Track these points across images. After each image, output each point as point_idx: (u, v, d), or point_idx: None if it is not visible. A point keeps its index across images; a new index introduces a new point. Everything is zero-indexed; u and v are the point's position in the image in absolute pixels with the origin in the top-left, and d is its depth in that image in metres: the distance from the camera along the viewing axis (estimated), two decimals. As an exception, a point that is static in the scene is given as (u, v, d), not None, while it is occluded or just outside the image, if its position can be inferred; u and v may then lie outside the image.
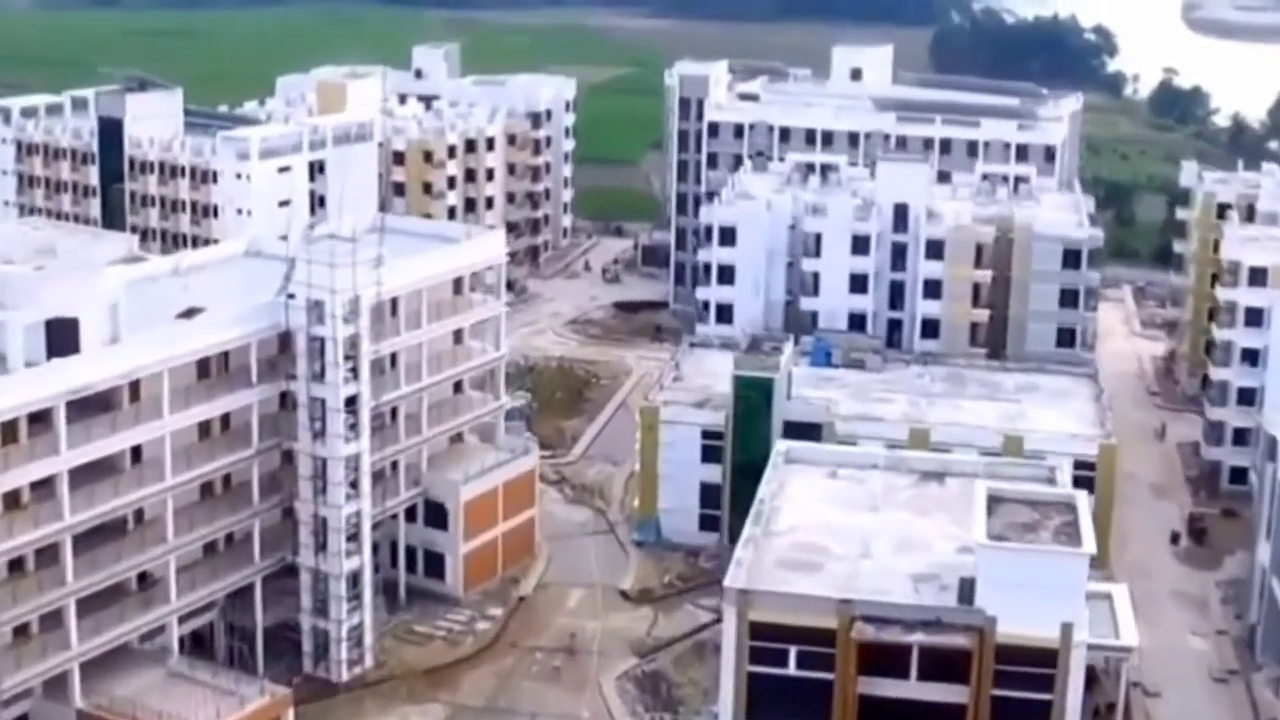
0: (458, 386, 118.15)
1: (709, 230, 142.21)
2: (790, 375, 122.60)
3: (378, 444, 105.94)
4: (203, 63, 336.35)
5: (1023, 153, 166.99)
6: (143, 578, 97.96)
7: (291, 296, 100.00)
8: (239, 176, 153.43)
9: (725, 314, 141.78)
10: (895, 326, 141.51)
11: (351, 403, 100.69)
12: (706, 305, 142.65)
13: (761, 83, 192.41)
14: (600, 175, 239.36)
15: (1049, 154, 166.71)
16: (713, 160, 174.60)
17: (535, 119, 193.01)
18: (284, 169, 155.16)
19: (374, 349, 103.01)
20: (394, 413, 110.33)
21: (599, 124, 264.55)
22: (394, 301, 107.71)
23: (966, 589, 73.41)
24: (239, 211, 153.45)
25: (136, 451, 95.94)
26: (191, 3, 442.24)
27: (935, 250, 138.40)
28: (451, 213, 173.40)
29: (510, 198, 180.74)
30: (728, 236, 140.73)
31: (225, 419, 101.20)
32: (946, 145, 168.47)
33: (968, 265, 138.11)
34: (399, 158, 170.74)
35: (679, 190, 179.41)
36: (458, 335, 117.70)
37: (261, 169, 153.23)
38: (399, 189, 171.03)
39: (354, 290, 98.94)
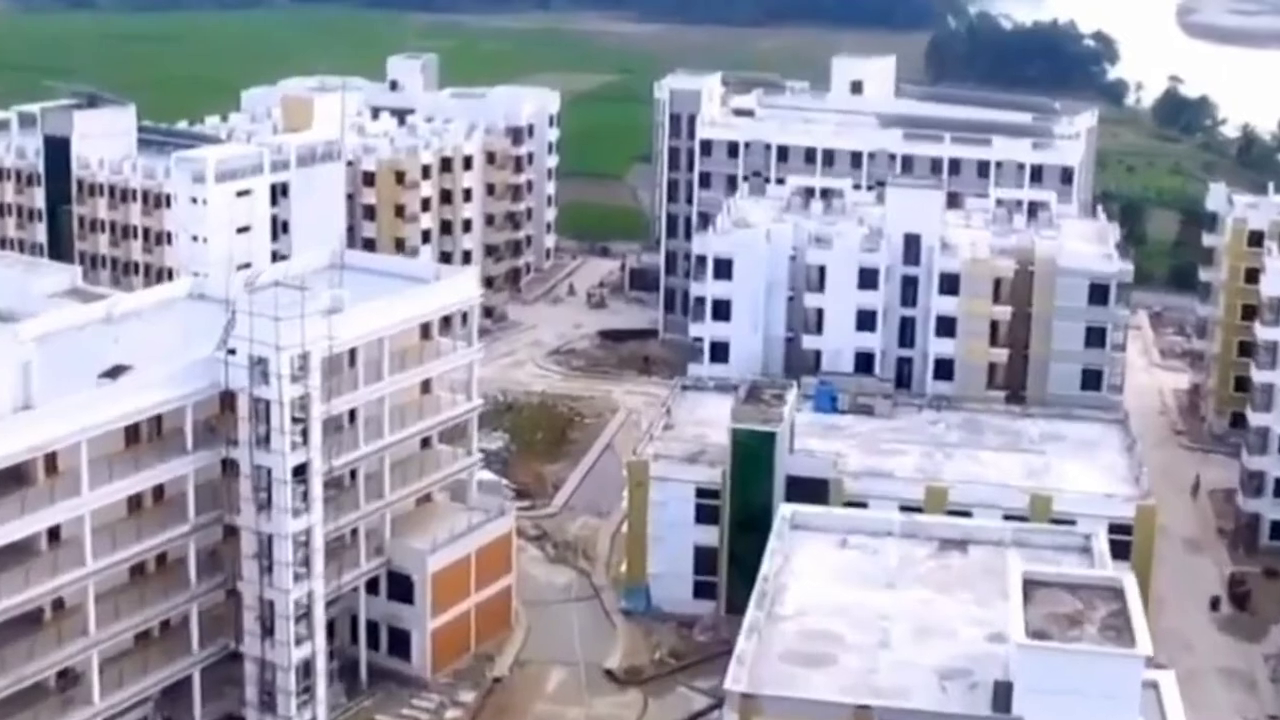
0: (425, 442, 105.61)
1: (702, 261, 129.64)
2: (793, 425, 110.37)
3: (333, 512, 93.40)
4: (177, 68, 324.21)
5: (1038, 174, 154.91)
6: (63, 675, 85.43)
7: (232, 352, 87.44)
8: (194, 200, 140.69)
9: (721, 352, 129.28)
10: (905, 366, 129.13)
11: (301, 472, 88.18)
12: (700, 343, 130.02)
13: (757, 96, 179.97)
14: (585, 190, 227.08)
15: (1066, 175, 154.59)
16: (705, 180, 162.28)
17: (516, 134, 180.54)
18: (243, 193, 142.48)
19: (326, 409, 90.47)
20: (352, 474, 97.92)
21: (584, 135, 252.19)
22: (352, 351, 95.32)
23: (1002, 694, 61.45)
24: (194, 238, 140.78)
25: (54, 532, 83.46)
26: (169, 5, 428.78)
27: (950, 285, 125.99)
28: (426, 236, 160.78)
29: (489, 220, 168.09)
30: (723, 269, 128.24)
31: (158, 491, 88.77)
32: (956, 166, 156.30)
33: (985, 301, 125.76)
34: (369, 178, 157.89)
35: (669, 211, 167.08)
36: (426, 385, 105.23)
37: (218, 193, 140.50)
38: (369, 212, 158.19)
39: (302, 345, 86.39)
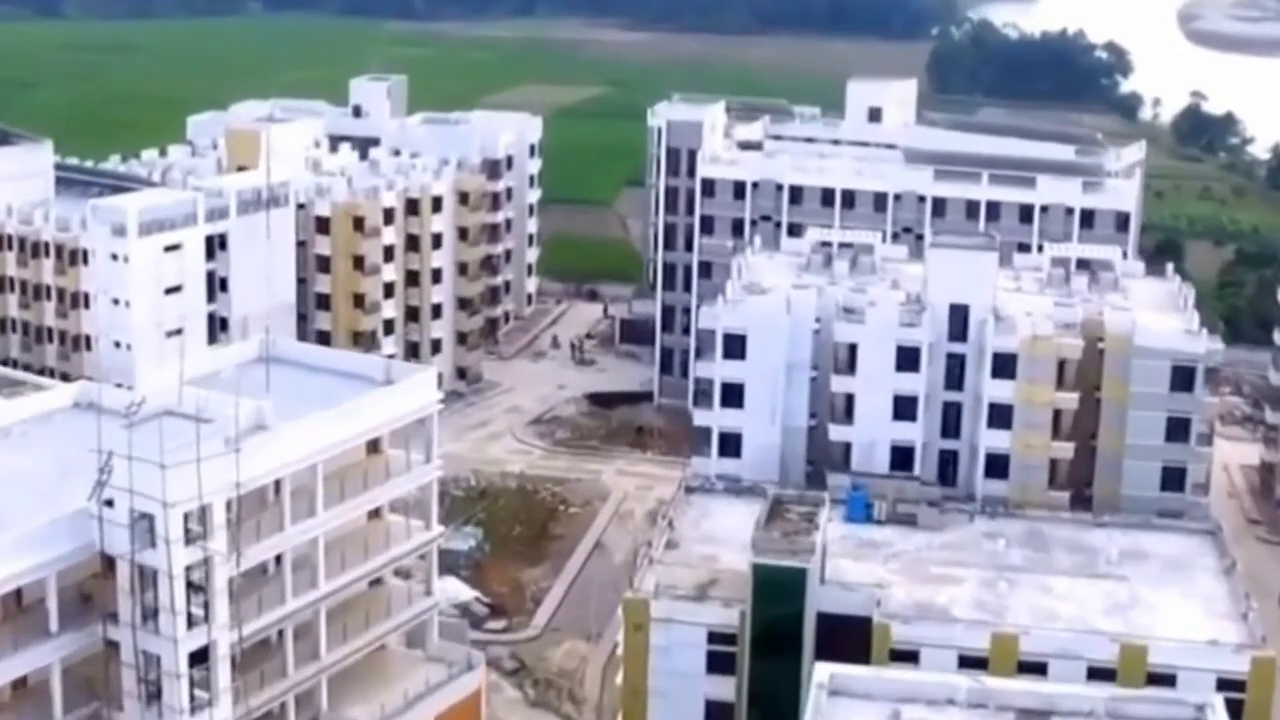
0: (376, 579, 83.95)
1: (709, 337, 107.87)
2: (825, 548, 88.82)
3: (254, 683, 71.92)
4: (136, 83, 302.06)
5: (1089, 220, 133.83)
6: None
7: (109, 504, 65.79)
8: (114, 257, 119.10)
9: (731, 445, 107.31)
10: (949, 461, 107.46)
11: (201, 657, 66.57)
12: (707, 434, 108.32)
13: (764, 125, 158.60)
14: (570, 219, 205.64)
15: (1121, 221, 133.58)
16: (707, 224, 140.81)
17: (493, 168, 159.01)
18: (172, 247, 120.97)
19: (238, 565, 68.87)
20: (280, 634, 76.25)
21: (569, 156, 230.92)
22: (277, 482, 73.75)
23: None
24: (115, 301, 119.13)
25: None
26: (138, 12, 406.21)
27: (1005, 366, 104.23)
28: (389, 290, 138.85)
29: (461, 268, 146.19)
30: (735, 346, 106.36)
31: (21, 683, 67.09)
32: (995, 210, 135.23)
33: (1047, 386, 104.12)
34: (323, 224, 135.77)
35: (666, 259, 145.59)
36: (375, 511, 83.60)
37: (142, 248, 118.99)
38: (323, 264, 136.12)
39: (199, 497, 64.75)
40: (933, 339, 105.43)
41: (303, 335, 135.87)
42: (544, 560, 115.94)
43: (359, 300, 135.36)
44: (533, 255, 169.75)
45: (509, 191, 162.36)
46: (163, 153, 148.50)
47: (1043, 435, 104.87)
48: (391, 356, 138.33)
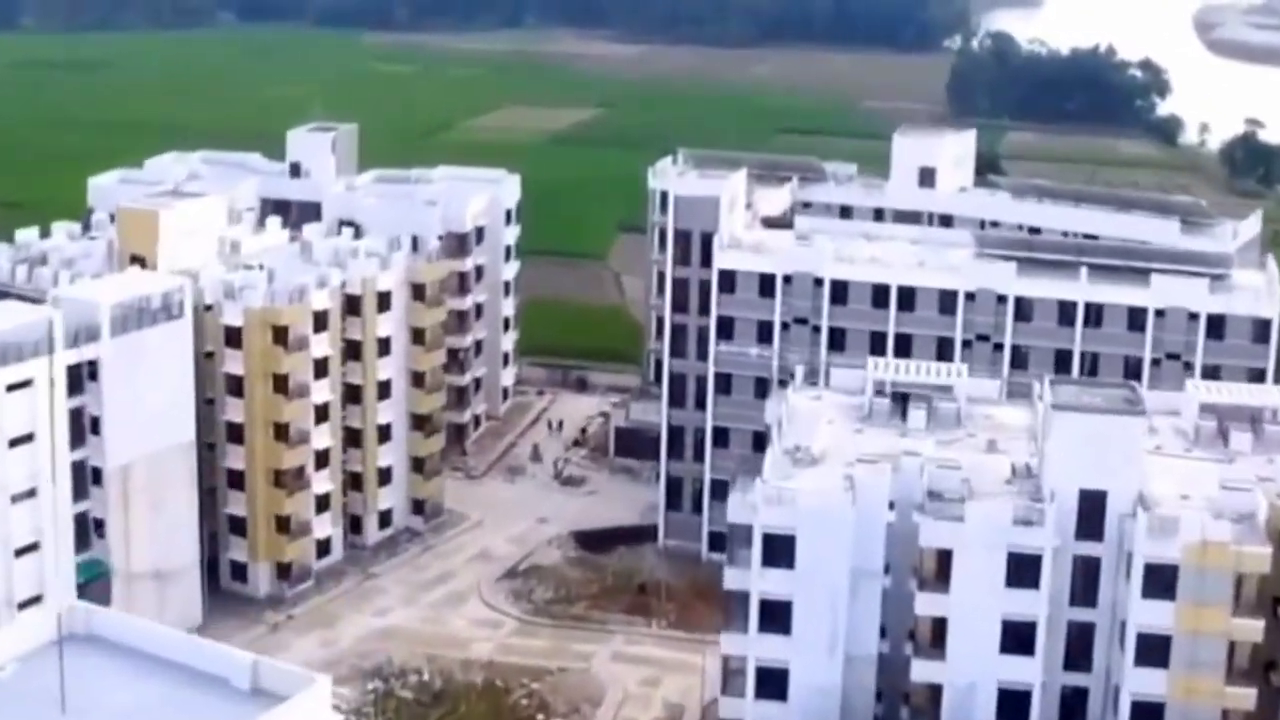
0: None
1: (741, 535, 75.55)
2: None
3: None
4: (90, 104, 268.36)
5: (1218, 327, 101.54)
6: None
7: None
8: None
9: (773, 684, 75.39)
10: (1076, 705, 75.63)
11: None
12: (740, 668, 76.16)
13: (791, 191, 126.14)
14: (555, 278, 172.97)
15: (1259, 331, 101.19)
16: (726, 327, 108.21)
17: (460, 242, 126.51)
18: (17, 385, 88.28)
19: None
20: None
21: (555, 195, 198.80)
22: None
23: None
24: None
25: None
26: (102, 24, 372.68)
27: (1161, 581, 72.27)
28: (322, 413, 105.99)
29: (417, 379, 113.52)
30: (780, 551, 74.23)
31: None
32: (1096, 314, 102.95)
33: (1221, 609, 72.13)
34: (235, 335, 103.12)
35: (674, 368, 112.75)
36: None
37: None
38: (235, 385, 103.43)
39: None
40: (1056, 540, 73.18)
41: (208, 477, 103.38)
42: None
43: (281, 431, 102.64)
44: (509, 342, 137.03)
45: (479, 270, 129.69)
46: (44, 233, 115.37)
47: (1213, 678, 72.94)
48: (325, 495, 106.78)
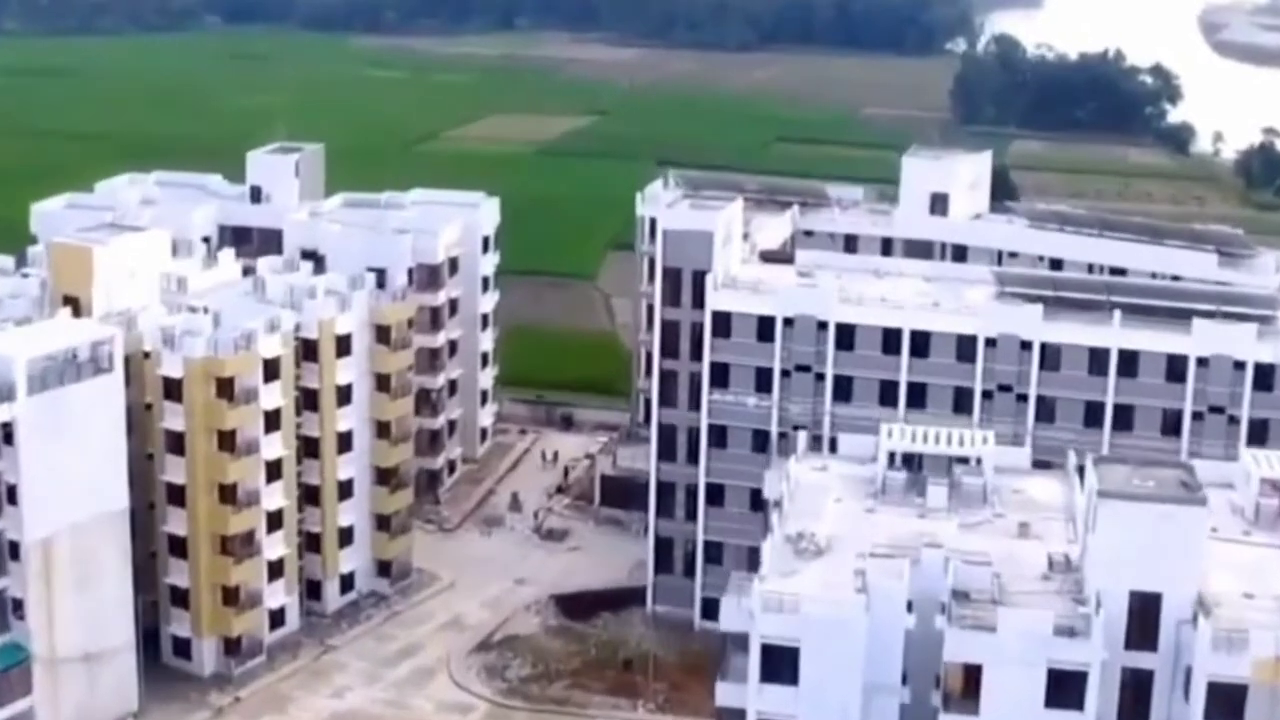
0: None
1: (736, 643, 64.71)
2: None
3: None
4: (62, 113, 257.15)
5: (1266, 378, 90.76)
6: None
7: None
8: None
9: (774, 818, 64.49)
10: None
11: None
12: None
13: (792, 218, 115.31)
14: (541, 302, 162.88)
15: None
16: (720, 375, 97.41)
17: (432, 275, 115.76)
18: (-84, 454, 77.62)
19: None
20: None
21: (543, 210, 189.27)
22: None
23: None
24: None
25: None
26: (84, 28, 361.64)
27: (1227, 702, 61.46)
28: (274, 470, 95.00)
29: (381, 430, 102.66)
30: (782, 664, 63.34)
31: None
32: (1131, 362, 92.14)
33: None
34: (174, 388, 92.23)
35: (664, 418, 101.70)
36: None
37: None
38: (176, 442, 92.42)
39: None
40: (1105, 654, 62.26)
41: (145, 544, 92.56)
42: None
43: (227, 492, 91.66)
44: (488, 378, 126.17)
45: (453, 304, 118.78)
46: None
47: (1287, 815, 61.83)
48: (279, 560, 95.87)
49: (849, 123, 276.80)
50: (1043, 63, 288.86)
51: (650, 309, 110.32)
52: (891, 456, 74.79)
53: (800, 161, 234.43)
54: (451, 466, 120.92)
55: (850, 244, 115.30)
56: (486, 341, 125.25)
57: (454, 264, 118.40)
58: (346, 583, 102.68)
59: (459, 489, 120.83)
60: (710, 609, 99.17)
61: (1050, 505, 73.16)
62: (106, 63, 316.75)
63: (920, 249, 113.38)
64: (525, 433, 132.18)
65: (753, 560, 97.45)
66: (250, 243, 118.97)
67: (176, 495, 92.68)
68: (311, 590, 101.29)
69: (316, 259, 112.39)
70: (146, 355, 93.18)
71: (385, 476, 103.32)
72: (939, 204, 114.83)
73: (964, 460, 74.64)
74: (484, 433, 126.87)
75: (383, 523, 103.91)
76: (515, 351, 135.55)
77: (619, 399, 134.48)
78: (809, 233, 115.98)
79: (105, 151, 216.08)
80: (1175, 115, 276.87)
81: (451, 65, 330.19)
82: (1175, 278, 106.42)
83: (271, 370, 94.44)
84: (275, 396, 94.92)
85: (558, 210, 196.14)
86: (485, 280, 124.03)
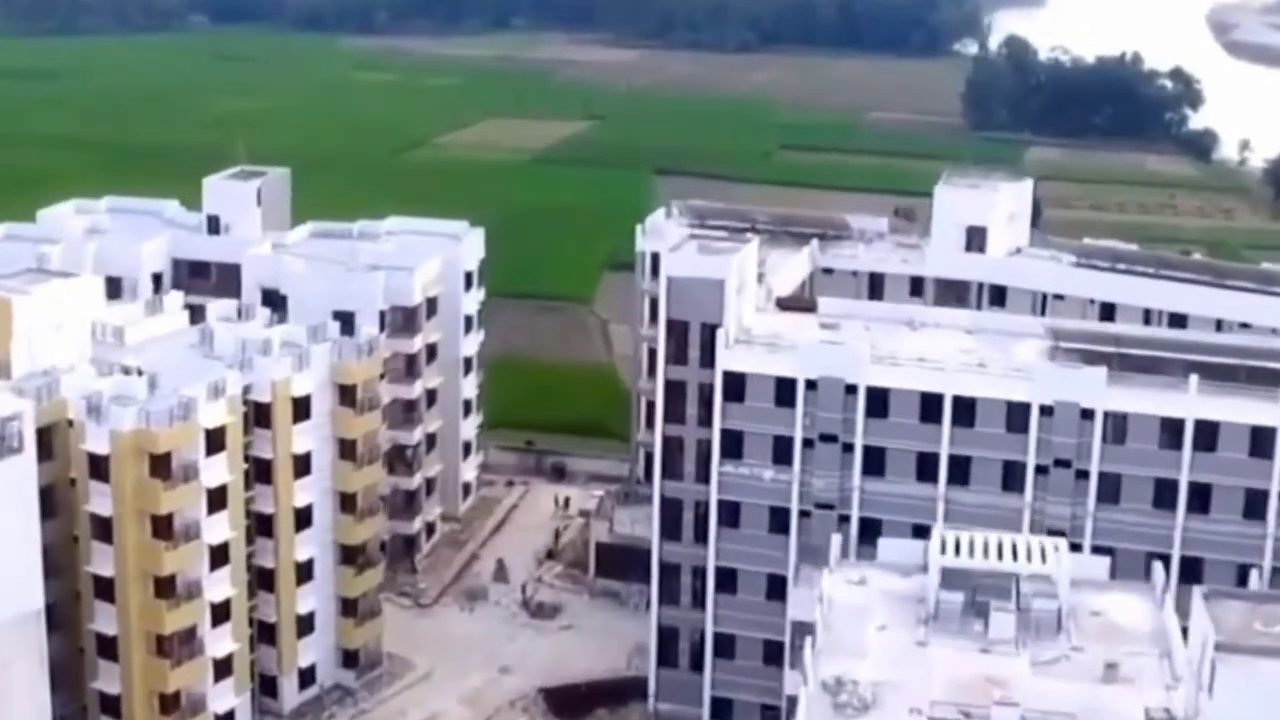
0: None
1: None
2: None
3: None
4: (33, 119, 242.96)
5: (1363, 454, 77.43)
6: None
7: None
8: None
9: None
10: None
11: None
12: None
13: (811, 255, 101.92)
14: (532, 330, 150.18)
15: None
16: (733, 444, 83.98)
17: (408, 317, 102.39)
18: None
19: None
20: None
21: (536, 224, 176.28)
22: None
23: None
24: None
25: None
26: (68, 28, 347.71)
27: None
28: (221, 555, 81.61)
29: (345, 503, 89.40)
30: None
31: None
32: (1209, 434, 78.71)
33: None
34: (101, 466, 78.87)
35: (667, 492, 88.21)
36: None
37: None
38: (103, 529, 79.06)
39: None
40: None
41: (70, 641, 79.24)
42: None
43: (163, 586, 78.35)
44: (470, 429, 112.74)
45: (431, 349, 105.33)
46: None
47: None
48: (227, 658, 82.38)
49: (854, 128, 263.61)
50: (1057, 66, 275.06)
51: (652, 352, 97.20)
52: (944, 574, 61.43)
53: (805, 170, 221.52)
54: (430, 529, 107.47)
55: (875, 283, 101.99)
56: (469, 388, 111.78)
57: (432, 305, 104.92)
58: (306, 677, 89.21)
59: (438, 554, 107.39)
60: (721, 709, 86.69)
61: (1137, 633, 60.06)
62: (90, 65, 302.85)
63: (954, 289, 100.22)
64: (513, 484, 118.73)
65: (768, 654, 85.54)
66: (207, 278, 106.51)
67: (105, 589, 79.21)
68: (266, 687, 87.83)
69: (278, 299, 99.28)
70: (71, 424, 79.78)
71: (351, 555, 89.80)
72: (976, 239, 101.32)
73: (1043, 584, 61.22)
74: (467, 488, 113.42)
75: (348, 607, 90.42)
76: (503, 389, 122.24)
77: (616, 443, 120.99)
78: (829, 270, 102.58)
79: (82, 159, 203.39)
80: (1196, 121, 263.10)
81: (444, 67, 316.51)
82: (1244, 325, 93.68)
83: (215, 442, 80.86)
84: (220, 471, 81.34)
85: (552, 224, 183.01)
86: (468, 320, 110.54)
